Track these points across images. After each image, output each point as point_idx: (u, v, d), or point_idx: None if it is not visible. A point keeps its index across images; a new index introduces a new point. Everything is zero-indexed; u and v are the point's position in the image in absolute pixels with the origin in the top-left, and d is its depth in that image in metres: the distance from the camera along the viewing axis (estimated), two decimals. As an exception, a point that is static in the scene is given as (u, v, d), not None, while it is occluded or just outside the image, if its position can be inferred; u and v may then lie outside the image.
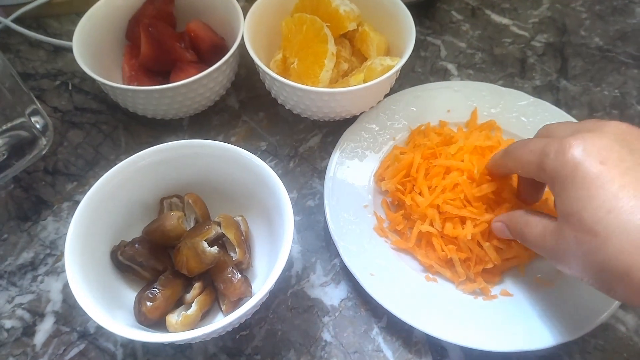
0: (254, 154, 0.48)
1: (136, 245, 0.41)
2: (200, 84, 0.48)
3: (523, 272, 0.44)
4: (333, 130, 0.54)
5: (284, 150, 0.53)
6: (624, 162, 0.30)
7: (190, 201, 0.44)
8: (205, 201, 0.45)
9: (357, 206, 0.47)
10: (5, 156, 0.50)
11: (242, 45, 0.50)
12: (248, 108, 0.57)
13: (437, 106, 0.53)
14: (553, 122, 0.38)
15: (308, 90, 0.47)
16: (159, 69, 0.52)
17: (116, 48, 0.55)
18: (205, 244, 0.39)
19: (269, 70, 0.48)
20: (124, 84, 0.53)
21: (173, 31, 0.53)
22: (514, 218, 0.38)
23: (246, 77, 0.58)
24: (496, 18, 0.65)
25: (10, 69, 0.48)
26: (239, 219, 0.45)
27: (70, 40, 0.62)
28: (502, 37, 0.63)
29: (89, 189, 0.50)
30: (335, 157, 0.49)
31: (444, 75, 0.59)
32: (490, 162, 0.42)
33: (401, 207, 0.46)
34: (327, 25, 0.49)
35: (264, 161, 0.52)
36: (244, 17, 0.51)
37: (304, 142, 0.54)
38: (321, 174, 0.52)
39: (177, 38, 0.53)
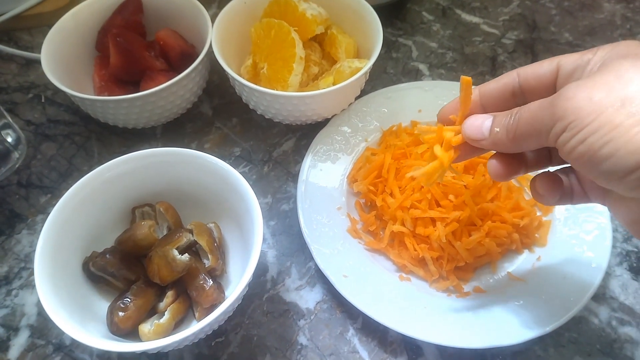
0: (228, 160, 0.48)
1: (107, 256, 0.41)
2: (170, 92, 0.48)
3: (495, 269, 0.44)
4: (306, 134, 0.55)
5: (257, 155, 0.54)
6: None
7: (161, 209, 0.44)
8: (177, 209, 0.45)
9: (330, 208, 0.47)
10: (-24, 171, 0.50)
11: (213, 52, 0.50)
12: (221, 114, 0.57)
13: (409, 106, 0.53)
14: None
15: (277, 94, 0.47)
16: (129, 78, 0.52)
17: (86, 59, 0.55)
18: (175, 252, 0.39)
19: (237, 77, 0.48)
20: (94, 95, 0.53)
21: (142, 40, 0.53)
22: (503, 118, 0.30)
23: (219, 84, 0.59)
24: (467, 17, 0.65)
25: None
26: (211, 225, 0.45)
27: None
28: (472, 35, 0.63)
29: (62, 201, 0.51)
30: (308, 160, 0.49)
31: (416, 76, 0.60)
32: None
33: (374, 208, 0.47)
34: (294, 30, 0.50)
35: (238, 167, 0.52)
36: (212, 24, 0.51)
37: (277, 147, 0.54)
38: (295, 177, 0.52)
39: (147, 47, 0.53)
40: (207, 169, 0.43)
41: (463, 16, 0.65)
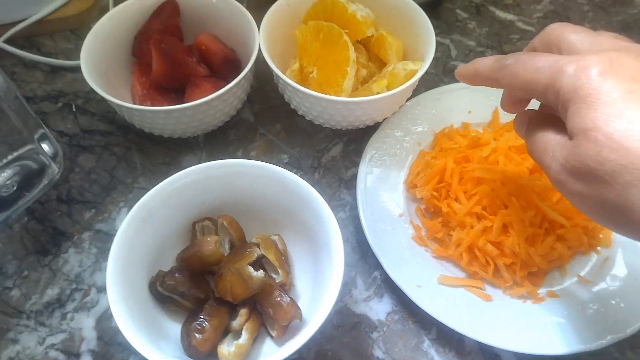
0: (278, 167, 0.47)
1: (176, 275, 0.39)
2: (221, 100, 0.47)
3: (565, 273, 0.44)
4: (353, 138, 0.53)
5: (306, 162, 0.52)
6: None
7: (225, 224, 0.43)
8: (238, 221, 0.44)
9: (392, 216, 0.46)
10: (15, 188, 0.48)
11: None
12: (264, 120, 0.55)
13: (458, 108, 0.52)
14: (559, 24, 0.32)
15: (334, 100, 0.45)
16: (172, 85, 0.50)
17: (123, 65, 0.53)
18: (251, 269, 0.38)
19: (291, 82, 0.46)
20: (135, 103, 0.51)
21: (184, 46, 0.51)
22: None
23: (258, 88, 0.57)
24: (501, 14, 0.65)
25: (15, 91, 0.45)
26: (275, 237, 0.43)
27: (67, 58, 0.60)
28: (509, 33, 0.63)
29: (108, 216, 0.49)
30: (363, 167, 0.48)
31: (458, 75, 0.59)
32: (470, 70, 0.35)
33: (438, 214, 0.46)
34: (345, 32, 0.48)
35: (288, 174, 0.51)
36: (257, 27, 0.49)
37: (325, 152, 0.53)
38: (348, 183, 0.51)
39: (188, 52, 0.51)
40: (276, 182, 0.41)
41: (497, 13, 0.65)
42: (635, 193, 0.25)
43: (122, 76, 0.53)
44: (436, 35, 0.62)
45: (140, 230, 0.39)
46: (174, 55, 0.48)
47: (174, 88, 0.51)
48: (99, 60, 0.49)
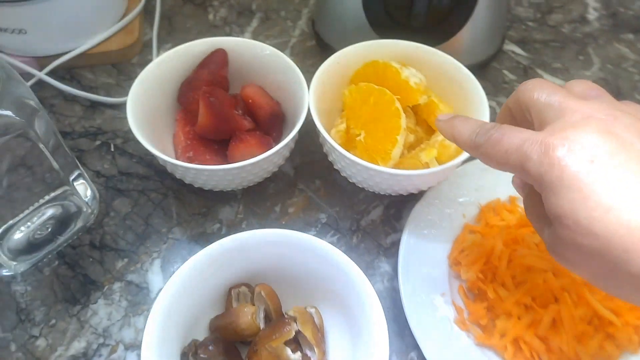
0: (314, 228, 0.47)
1: (210, 347, 0.38)
2: (267, 160, 0.45)
3: (613, 370, 0.42)
4: (395, 202, 0.52)
5: (345, 224, 0.51)
6: (615, 157, 0.27)
7: (263, 294, 0.41)
8: (274, 289, 0.43)
9: (433, 293, 0.44)
10: (49, 230, 0.47)
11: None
12: (303, 175, 0.54)
13: (505, 179, 0.50)
14: (527, 89, 0.32)
15: (384, 172, 0.44)
16: (216, 137, 0.49)
17: (167, 112, 0.52)
18: (288, 351, 0.37)
19: (339, 148, 0.45)
20: (177, 152, 0.50)
21: (230, 98, 0.50)
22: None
23: (299, 141, 0.56)
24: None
25: (53, 127, 0.44)
26: (312, 310, 0.42)
27: (107, 94, 0.59)
28: (557, 99, 0.61)
29: (141, 267, 0.48)
30: (405, 238, 0.47)
31: (503, 141, 0.57)
32: (448, 134, 0.37)
33: (482, 297, 0.44)
34: (397, 98, 0.47)
35: (326, 236, 0.50)
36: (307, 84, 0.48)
37: (365, 215, 0.52)
38: (387, 251, 0.49)
39: (234, 105, 0.50)
40: (316, 254, 0.40)
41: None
42: (604, 272, 0.27)
43: (166, 122, 0.52)
44: (483, 97, 0.61)
45: (175, 302, 0.38)
46: (220, 109, 0.47)
47: (217, 140, 0.50)
48: (143, 108, 0.48)
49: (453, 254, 0.47)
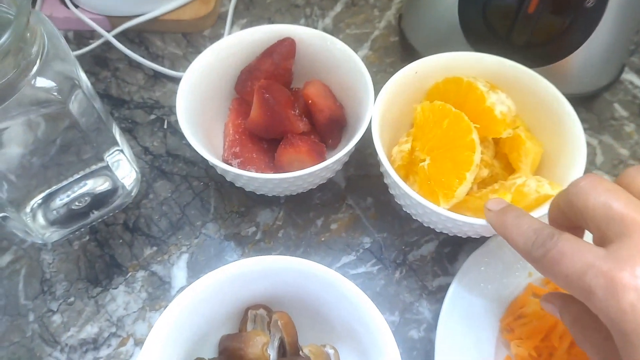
0: (355, 251, 0.44)
1: (211, 373, 0.35)
2: (313, 174, 0.41)
3: None
4: (452, 239, 0.46)
5: (390, 254, 0.45)
6: None
7: (280, 323, 0.37)
8: (292, 318, 0.39)
9: (476, 357, 0.38)
10: (87, 201, 0.46)
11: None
12: (355, 189, 0.49)
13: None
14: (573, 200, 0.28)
15: (440, 213, 0.38)
16: (266, 136, 0.45)
17: (222, 99, 0.48)
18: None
19: (398, 179, 0.39)
20: (224, 144, 0.46)
21: (289, 95, 0.45)
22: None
23: (356, 151, 0.50)
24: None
25: (94, 104, 0.41)
26: (330, 352, 0.38)
27: (172, 65, 0.57)
28: (675, 150, 0.51)
29: (167, 260, 0.45)
30: (455, 286, 0.41)
31: (597, 190, 0.49)
32: (500, 231, 0.33)
33: (530, 378, 0.38)
34: (475, 127, 0.40)
35: (366, 264, 0.45)
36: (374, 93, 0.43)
37: (415, 248, 0.46)
38: (431, 296, 0.43)
39: (292, 103, 0.45)
40: (337, 290, 0.35)
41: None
42: None
43: (219, 109, 0.48)
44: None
45: (184, 318, 0.35)
46: (274, 108, 0.43)
47: (267, 138, 0.46)
48: (196, 92, 0.45)
49: (507, 319, 0.40)
